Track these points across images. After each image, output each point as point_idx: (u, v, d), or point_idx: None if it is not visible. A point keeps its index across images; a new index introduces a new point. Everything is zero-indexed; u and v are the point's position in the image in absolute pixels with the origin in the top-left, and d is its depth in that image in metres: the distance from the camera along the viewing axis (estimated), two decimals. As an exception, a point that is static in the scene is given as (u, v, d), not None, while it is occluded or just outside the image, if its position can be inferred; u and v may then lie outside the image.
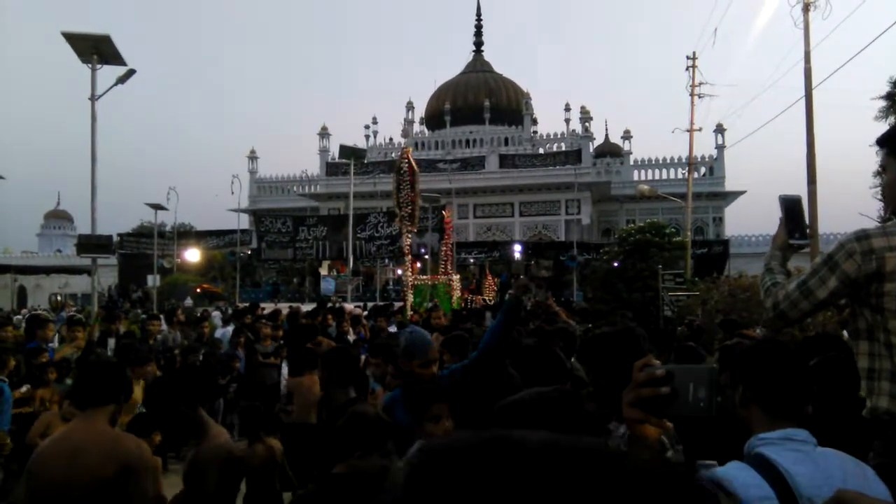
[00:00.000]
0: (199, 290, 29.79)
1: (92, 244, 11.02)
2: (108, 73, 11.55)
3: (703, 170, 42.89)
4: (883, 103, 18.14)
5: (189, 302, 25.16)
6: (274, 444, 4.03)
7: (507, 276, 33.07)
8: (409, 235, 16.15)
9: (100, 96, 11.28)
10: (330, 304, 15.68)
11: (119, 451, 2.62)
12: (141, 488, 2.62)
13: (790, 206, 2.26)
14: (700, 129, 24.81)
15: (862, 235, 1.97)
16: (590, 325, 10.80)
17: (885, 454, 1.95)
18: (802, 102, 14.96)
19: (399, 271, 31.96)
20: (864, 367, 2.04)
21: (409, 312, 13.66)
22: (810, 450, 1.65)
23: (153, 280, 26.73)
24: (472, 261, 34.21)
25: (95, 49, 10.89)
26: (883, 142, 2.19)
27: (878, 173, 2.22)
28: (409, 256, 16.45)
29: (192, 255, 33.20)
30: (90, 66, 11.00)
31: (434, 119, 50.91)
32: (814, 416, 3.04)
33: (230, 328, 11.08)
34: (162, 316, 11.67)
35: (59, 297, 35.78)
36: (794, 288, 2.08)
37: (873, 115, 18.40)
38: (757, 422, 1.73)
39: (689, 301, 14.39)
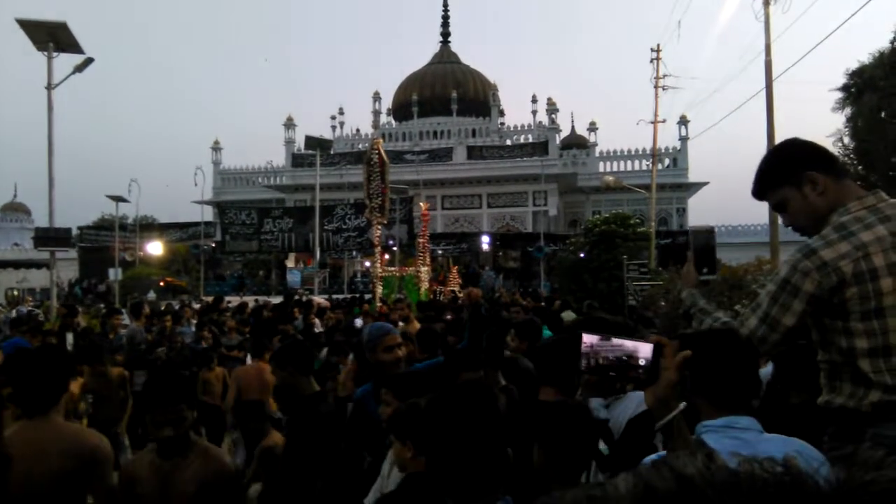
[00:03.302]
0: (162, 284, 29.30)
1: (50, 237, 10.78)
2: (66, 61, 11.25)
3: (667, 161, 43.53)
4: (840, 94, 18.60)
5: (152, 296, 24.73)
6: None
7: (475, 267, 33.20)
8: (380, 227, 16.09)
9: (56, 85, 11.00)
10: (297, 297, 15.57)
11: (84, 445, 2.59)
12: (106, 481, 2.63)
13: (701, 241, 2.23)
14: (664, 121, 25.18)
15: (808, 252, 1.94)
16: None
17: (838, 439, 2.00)
18: (763, 94, 15.29)
19: (367, 263, 31.84)
20: (824, 381, 2.05)
21: (378, 304, 13.62)
22: (753, 436, 1.66)
23: (115, 274, 26.20)
24: (440, 252, 34.24)
25: (51, 37, 10.60)
26: (761, 190, 2.16)
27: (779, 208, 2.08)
28: (379, 248, 16.39)
29: (155, 248, 32.59)
30: (46, 54, 10.71)
31: (401, 110, 50.71)
32: (778, 403, 3.11)
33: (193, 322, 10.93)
34: (124, 310, 11.46)
35: (16, 292, 34.86)
36: (758, 323, 2.01)
37: (831, 107, 18.88)
38: (703, 409, 1.76)
39: (654, 291, 14.59)
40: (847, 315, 1.93)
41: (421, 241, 19.24)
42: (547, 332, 6.14)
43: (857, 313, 1.91)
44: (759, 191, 2.17)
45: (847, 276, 1.89)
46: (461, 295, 16.96)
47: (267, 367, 6.27)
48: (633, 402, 2.54)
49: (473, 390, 1.70)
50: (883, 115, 17.27)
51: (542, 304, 10.34)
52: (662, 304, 12.61)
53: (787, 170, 2.09)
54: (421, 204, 20.40)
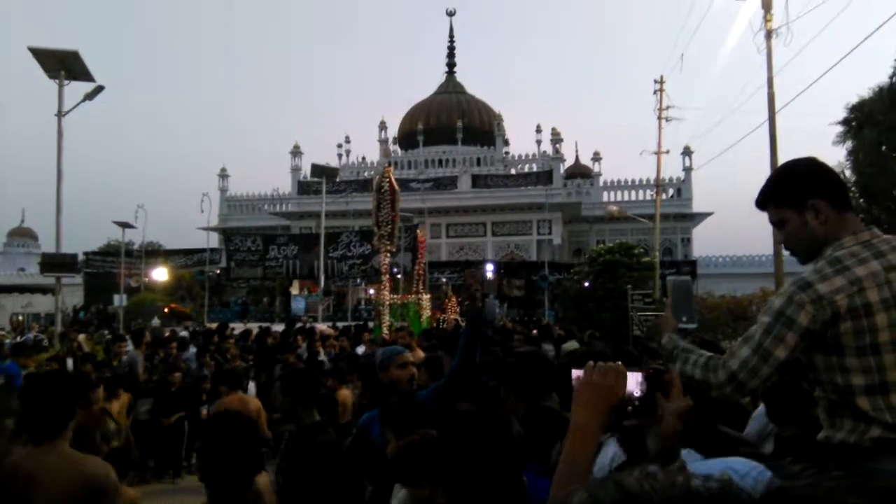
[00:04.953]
0: (166, 311, 29.28)
1: (56, 263, 10.82)
2: (76, 87, 11.41)
3: (671, 191, 43.67)
4: (841, 128, 18.71)
5: (156, 322, 24.71)
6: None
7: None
8: (388, 255, 16.12)
9: (67, 112, 11.12)
10: (300, 325, 15.54)
11: (86, 474, 2.58)
12: None
13: (678, 291, 2.28)
14: (667, 152, 25.31)
15: (804, 284, 1.92)
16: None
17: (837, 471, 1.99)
18: (766, 126, 15.38)
19: (371, 291, 31.81)
20: (823, 417, 2.03)
21: (384, 331, 13.59)
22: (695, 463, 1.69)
23: (120, 300, 26.22)
24: (444, 280, 34.24)
25: (63, 65, 10.76)
26: (764, 202, 2.15)
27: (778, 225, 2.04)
28: (387, 276, 16.40)
29: (160, 274, 32.67)
30: (57, 81, 10.86)
31: (407, 139, 51.12)
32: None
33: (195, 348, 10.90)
34: (128, 337, 11.45)
35: (20, 317, 34.88)
36: (750, 354, 1.97)
37: (832, 140, 18.97)
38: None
39: (658, 321, 14.54)
40: (842, 351, 1.91)
41: (416, 268, 19.27)
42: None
43: (853, 349, 1.89)
44: (763, 203, 2.16)
45: (841, 310, 1.87)
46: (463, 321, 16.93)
47: (248, 399, 6.31)
48: None
49: (487, 418, 1.70)
50: (884, 148, 17.36)
51: (536, 332, 10.28)
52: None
53: (793, 192, 2.07)
54: (418, 232, 20.43)
